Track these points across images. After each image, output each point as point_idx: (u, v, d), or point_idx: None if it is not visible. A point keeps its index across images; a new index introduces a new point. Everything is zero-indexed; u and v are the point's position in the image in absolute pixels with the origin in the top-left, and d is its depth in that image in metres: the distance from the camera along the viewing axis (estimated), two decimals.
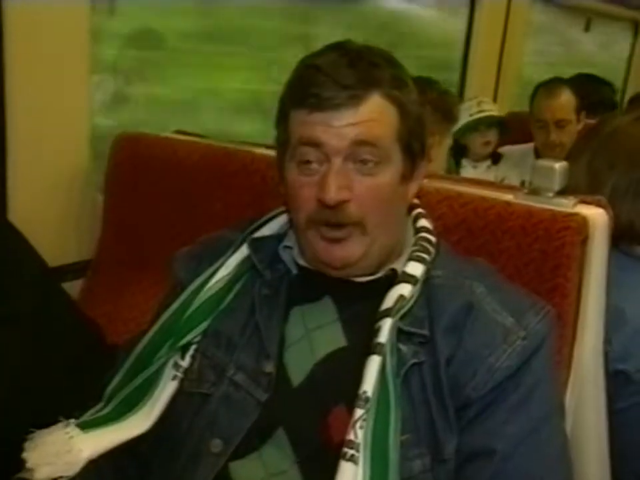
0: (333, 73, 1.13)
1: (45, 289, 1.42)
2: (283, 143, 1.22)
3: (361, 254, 1.19)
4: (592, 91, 3.84)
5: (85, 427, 1.25)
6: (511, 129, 3.39)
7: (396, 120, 1.17)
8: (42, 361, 1.36)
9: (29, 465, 1.20)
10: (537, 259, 1.32)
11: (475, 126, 3.27)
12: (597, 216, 1.34)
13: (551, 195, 1.39)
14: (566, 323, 1.31)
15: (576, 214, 1.32)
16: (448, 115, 2.37)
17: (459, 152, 3.40)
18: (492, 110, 3.31)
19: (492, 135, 3.32)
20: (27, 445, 1.23)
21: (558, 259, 1.30)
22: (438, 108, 2.26)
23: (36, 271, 1.43)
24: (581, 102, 3.22)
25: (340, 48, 1.18)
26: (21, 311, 1.32)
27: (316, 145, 1.15)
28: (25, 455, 1.21)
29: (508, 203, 1.38)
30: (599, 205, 1.38)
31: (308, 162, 1.17)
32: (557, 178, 1.38)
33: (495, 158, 3.37)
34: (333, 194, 1.13)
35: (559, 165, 1.38)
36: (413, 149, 1.21)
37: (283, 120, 1.21)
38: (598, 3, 4.70)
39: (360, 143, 1.14)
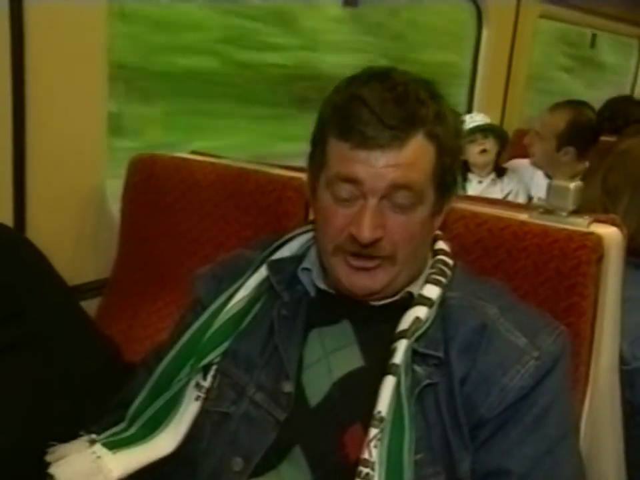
0: (379, 110, 1.12)
1: (65, 308, 1.44)
2: (319, 165, 1.22)
3: (386, 283, 1.21)
4: (625, 111, 3.83)
5: (112, 447, 1.26)
6: (518, 145, 3.41)
7: (434, 159, 1.18)
8: (61, 379, 1.37)
9: None
10: (552, 278, 1.33)
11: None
12: (611, 234, 1.36)
13: (565, 214, 1.40)
14: (582, 342, 1.32)
15: (591, 233, 1.33)
16: (459, 135, 2.37)
17: (463, 166, 3.41)
18: (483, 120, 3.32)
19: (488, 143, 3.30)
20: (51, 459, 1.24)
21: (574, 278, 1.31)
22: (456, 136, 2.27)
23: (57, 290, 1.45)
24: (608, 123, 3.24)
25: (386, 79, 1.17)
26: (42, 331, 1.33)
27: (355, 182, 1.15)
28: (53, 471, 1.22)
29: (523, 223, 1.40)
30: (613, 223, 1.39)
31: (344, 199, 1.17)
32: (571, 197, 1.40)
33: (500, 172, 3.38)
34: (368, 233, 1.14)
35: (574, 185, 1.40)
36: (446, 185, 1.22)
37: (321, 142, 1.21)
38: (603, 20, 4.72)
39: (398, 186, 1.14)
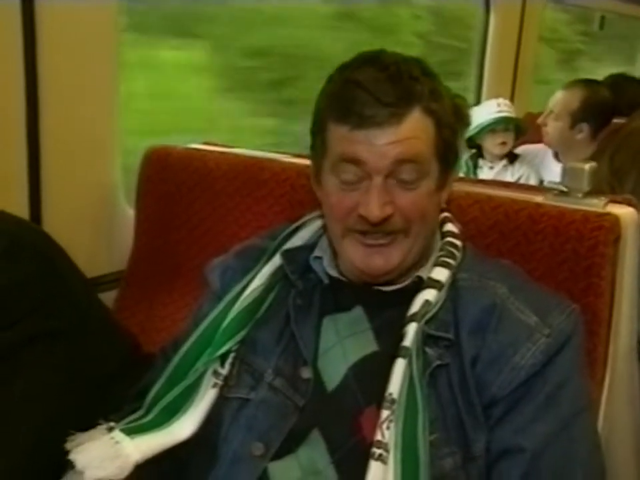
0: (374, 90, 1.15)
1: (86, 301, 1.45)
2: (321, 153, 1.24)
3: (399, 260, 1.22)
4: (629, 91, 3.81)
5: (129, 432, 1.28)
6: (528, 129, 3.40)
7: (433, 133, 1.20)
8: (84, 371, 1.38)
9: (78, 467, 1.23)
10: (569, 259, 1.34)
11: (493, 126, 3.28)
12: (628, 215, 1.36)
13: (581, 195, 1.40)
14: (600, 322, 1.33)
15: (607, 213, 1.33)
16: (461, 118, 2.38)
17: (475, 153, 3.42)
18: (510, 112, 3.32)
19: (508, 137, 3.33)
20: (71, 446, 1.26)
21: (591, 259, 1.32)
22: (453, 113, 2.27)
23: (77, 283, 1.45)
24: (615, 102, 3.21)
25: (377, 61, 1.19)
26: (65, 324, 1.34)
27: (357, 162, 1.17)
28: (72, 456, 1.24)
29: (539, 205, 1.40)
30: (629, 204, 1.39)
31: (350, 181, 1.19)
32: (586, 179, 1.40)
33: (512, 158, 3.38)
34: (376, 212, 1.16)
35: (589, 166, 1.40)
36: (448, 158, 1.24)
37: (321, 130, 1.23)
38: (611, 2, 4.69)
39: (401, 161, 1.16)
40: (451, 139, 1.23)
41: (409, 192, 1.18)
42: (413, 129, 1.17)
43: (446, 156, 1.23)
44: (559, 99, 3.23)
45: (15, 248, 1.31)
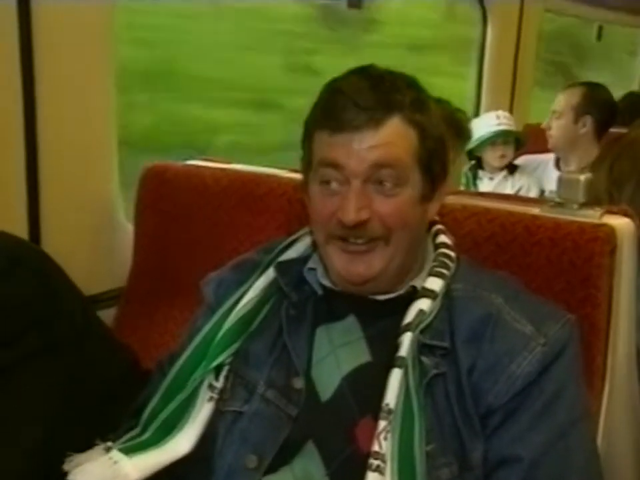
0: (354, 96, 1.17)
1: (84, 318, 1.45)
2: (307, 163, 1.27)
3: (381, 267, 1.22)
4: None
5: (127, 452, 1.28)
6: (527, 140, 3.42)
7: (416, 142, 1.21)
8: (82, 387, 1.38)
9: None
10: (566, 271, 1.34)
11: (492, 139, 3.29)
12: (624, 225, 1.36)
13: (576, 206, 1.40)
14: (598, 332, 1.33)
15: (603, 224, 1.34)
16: (461, 132, 2.39)
17: (474, 164, 3.44)
18: (509, 124, 3.34)
19: (508, 149, 3.35)
20: (69, 467, 1.26)
21: (587, 270, 1.32)
22: (451, 125, 2.28)
23: (75, 301, 1.46)
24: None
25: (363, 72, 1.22)
26: (61, 339, 1.35)
27: (336, 166, 1.19)
28: (71, 478, 1.24)
29: (535, 217, 1.40)
30: (625, 214, 1.40)
31: (328, 182, 1.21)
32: (582, 190, 1.40)
33: (512, 169, 3.40)
34: (352, 215, 1.17)
35: (584, 177, 1.40)
36: (433, 169, 1.24)
37: (307, 141, 1.26)
38: (609, 12, 4.70)
39: (379, 165, 1.17)
40: (438, 150, 1.24)
41: (388, 199, 1.19)
42: (392, 135, 1.18)
43: (430, 166, 1.23)
44: (561, 99, 3.26)
45: (13, 267, 1.32)
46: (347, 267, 1.23)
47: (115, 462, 1.26)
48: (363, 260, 1.22)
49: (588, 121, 3.18)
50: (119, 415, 1.40)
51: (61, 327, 1.35)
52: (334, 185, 1.21)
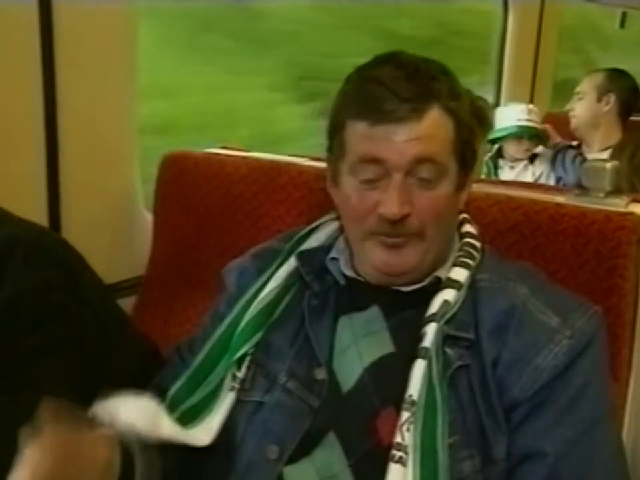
0: (393, 86, 1.14)
1: (105, 308, 1.45)
2: (338, 154, 1.24)
3: (417, 261, 1.21)
4: None
5: None
6: (547, 130, 3.42)
7: (452, 132, 1.19)
8: (101, 377, 1.38)
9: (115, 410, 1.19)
10: (591, 260, 1.32)
11: (520, 134, 3.29)
12: None
13: (602, 194, 1.38)
14: (624, 324, 1.31)
15: (630, 213, 1.32)
16: (483, 120, 2.37)
17: (495, 153, 3.44)
18: (538, 121, 3.34)
19: (532, 144, 3.36)
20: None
21: (613, 259, 1.30)
22: (473, 114, 2.27)
23: (96, 290, 1.46)
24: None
25: (395, 60, 1.19)
26: (83, 328, 1.35)
27: (377, 161, 1.16)
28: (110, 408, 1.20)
29: (560, 205, 1.38)
30: None
31: (369, 179, 1.18)
32: (608, 178, 1.38)
33: (531, 157, 3.40)
34: (396, 209, 1.15)
35: (610, 165, 1.38)
36: (467, 158, 1.23)
37: (338, 130, 1.22)
38: None
39: (420, 160, 1.15)
40: (470, 139, 1.23)
41: (427, 192, 1.17)
42: (433, 126, 1.16)
43: (464, 156, 1.22)
44: (584, 82, 3.27)
45: (34, 255, 1.32)
46: (385, 259, 1.21)
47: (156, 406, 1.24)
48: (400, 253, 1.20)
49: (611, 98, 3.18)
50: None
51: (83, 315, 1.35)
52: (373, 179, 1.18)
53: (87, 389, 1.34)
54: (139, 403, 1.22)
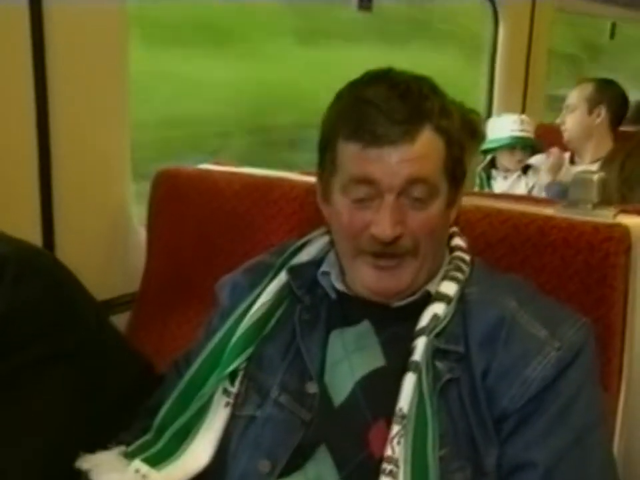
0: (385, 108, 1.14)
1: (95, 324, 1.45)
2: (330, 171, 1.24)
3: (410, 280, 1.22)
4: None
5: (154, 463, 1.28)
6: (541, 139, 3.42)
7: (443, 152, 1.19)
8: (91, 396, 1.38)
9: None
10: (581, 271, 1.33)
11: (513, 145, 3.30)
12: (638, 225, 1.35)
13: (590, 206, 1.39)
14: (614, 334, 1.32)
15: (617, 224, 1.33)
16: (474, 133, 2.38)
17: (487, 164, 3.45)
18: (531, 132, 3.35)
19: (525, 155, 3.38)
20: (88, 466, 1.26)
21: (602, 270, 1.31)
22: (464, 127, 2.28)
23: (86, 306, 1.45)
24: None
25: (387, 79, 1.19)
26: (73, 347, 1.35)
27: (369, 181, 1.16)
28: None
29: (548, 217, 1.39)
30: (639, 213, 1.39)
31: (361, 199, 1.18)
32: (595, 189, 1.39)
33: (525, 168, 3.41)
34: (389, 231, 1.16)
35: (598, 177, 1.39)
36: (457, 176, 1.23)
37: (330, 148, 1.23)
38: (622, 9, 4.67)
39: (413, 181, 1.16)
40: (460, 156, 1.23)
41: (420, 212, 1.18)
42: (425, 147, 1.16)
43: (455, 174, 1.23)
44: (573, 94, 3.27)
45: (24, 273, 1.32)
46: (377, 282, 1.22)
47: (144, 476, 1.26)
48: (393, 274, 1.21)
49: (602, 110, 3.19)
50: (132, 421, 1.40)
51: (72, 333, 1.35)
52: (365, 198, 1.18)
53: (76, 406, 1.34)
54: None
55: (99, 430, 1.35)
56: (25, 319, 1.29)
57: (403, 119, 1.14)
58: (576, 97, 3.25)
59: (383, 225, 1.16)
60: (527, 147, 3.35)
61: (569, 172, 3.14)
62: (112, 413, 1.40)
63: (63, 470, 1.29)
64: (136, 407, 1.42)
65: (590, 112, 3.20)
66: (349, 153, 1.18)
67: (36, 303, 1.31)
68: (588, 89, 3.23)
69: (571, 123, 3.25)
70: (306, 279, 1.33)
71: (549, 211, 1.42)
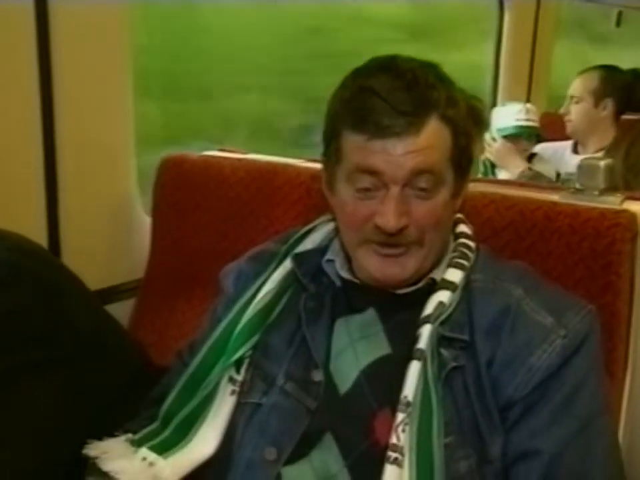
0: (390, 99, 1.12)
1: (90, 324, 1.43)
2: (335, 160, 1.23)
3: (415, 268, 1.21)
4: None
5: (159, 451, 1.28)
6: (545, 128, 3.40)
7: (450, 141, 1.18)
8: (86, 397, 1.37)
9: None
10: (586, 258, 1.32)
11: (518, 134, 3.28)
12: None
13: (596, 192, 1.39)
14: (620, 321, 1.31)
15: (624, 210, 1.32)
16: (478, 120, 2.37)
17: None
18: (535, 121, 3.32)
19: (530, 144, 3.34)
20: (94, 453, 1.27)
21: (608, 257, 1.30)
22: (468, 115, 2.27)
23: (81, 306, 1.43)
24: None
25: (393, 68, 1.17)
26: (67, 350, 1.33)
27: (374, 172, 1.16)
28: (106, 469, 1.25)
29: (554, 203, 1.39)
30: None
31: (366, 188, 1.18)
32: (602, 176, 1.39)
33: (529, 157, 3.38)
34: (393, 222, 1.15)
35: (604, 163, 1.39)
36: (463, 165, 1.23)
37: (334, 137, 1.21)
38: None
39: (418, 172, 1.15)
40: (467, 145, 1.22)
41: (425, 202, 1.17)
42: (431, 138, 1.15)
43: (461, 164, 1.22)
44: (577, 84, 3.21)
45: (13, 276, 1.30)
46: (382, 269, 1.21)
47: (151, 463, 1.26)
48: (398, 262, 1.20)
49: (609, 104, 3.14)
50: (132, 414, 1.39)
51: (64, 335, 1.34)
52: (371, 190, 1.17)
53: (75, 406, 1.34)
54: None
55: (97, 430, 1.33)
56: (15, 323, 1.27)
57: (408, 110, 1.13)
58: (581, 88, 3.20)
59: (387, 216, 1.15)
60: (532, 136, 3.33)
61: (572, 161, 3.13)
62: (109, 412, 1.38)
63: (60, 470, 1.30)
64: (134, 404, 1.41)
65: (596, 105, 3.15)
66: (354, 143, 1.17)
67: (26, 308, 1.29)
68: (593, 81, 3.16)
69: (576, 114, 3.20)
70: (311, 266, 1.32)
71: (555, 197, 1.42)
